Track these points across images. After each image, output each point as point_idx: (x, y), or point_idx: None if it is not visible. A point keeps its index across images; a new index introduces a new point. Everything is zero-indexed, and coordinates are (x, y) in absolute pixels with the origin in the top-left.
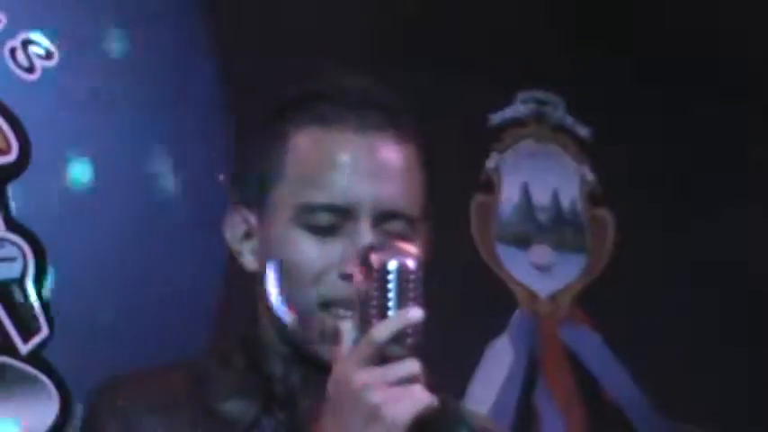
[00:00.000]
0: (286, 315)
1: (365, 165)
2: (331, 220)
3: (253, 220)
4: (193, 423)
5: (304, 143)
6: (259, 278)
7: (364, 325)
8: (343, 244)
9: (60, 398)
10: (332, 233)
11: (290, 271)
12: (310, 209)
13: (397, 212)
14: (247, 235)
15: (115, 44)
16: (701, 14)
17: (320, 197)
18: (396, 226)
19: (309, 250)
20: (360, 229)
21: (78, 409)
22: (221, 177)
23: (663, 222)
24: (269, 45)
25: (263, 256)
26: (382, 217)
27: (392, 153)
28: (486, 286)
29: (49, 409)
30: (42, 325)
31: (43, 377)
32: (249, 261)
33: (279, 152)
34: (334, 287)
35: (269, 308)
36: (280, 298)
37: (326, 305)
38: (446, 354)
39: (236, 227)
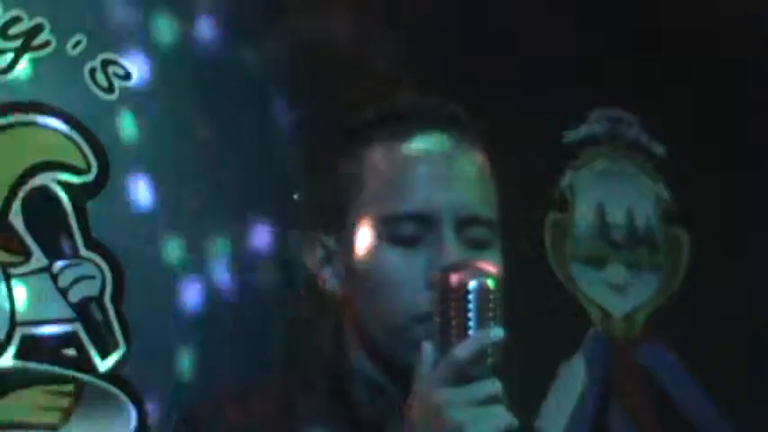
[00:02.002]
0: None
1: (443, 173)
2: (414, 230)
3: (332, 243)
4: None
5: (380, 158)
6: (343, 301)
7: (444, 345)
8: (428, 253)
9: (137, 414)
10: (415, 243)
11: (377, 285)
12: (393, 219)
13: (478, 217)
14: (328, 259)
15: (193, 68)
16: None
17: (401, 207)
18: (477, 232)
19: (395, 262)
20: (443, 236)
21: (154, 427)
22: (296, 196)
23: (738, 240)
24: (339, 66)
25: (347, 276)
26: (463, 223)
27: (467, 162)
28: (561, 305)
29: (126, 426)
30: (120, 342)
31: (121, 394)
32: (332, 285)
33: (355, 171)
34: (421, 299)
35: (356, 328)
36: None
37: (415, 318)
38: (520, 372)
39: (315, 252)
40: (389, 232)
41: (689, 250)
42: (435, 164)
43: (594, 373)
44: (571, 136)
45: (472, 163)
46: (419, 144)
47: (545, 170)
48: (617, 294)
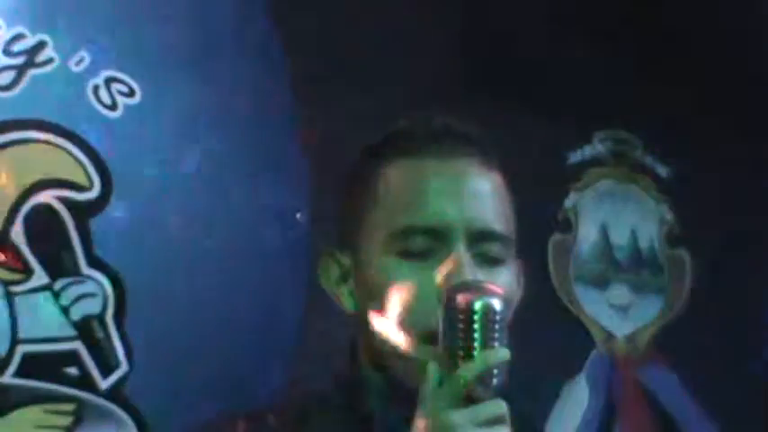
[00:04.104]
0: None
1: (455, 188)
2: (425, 244)
3: (347, 261)
4: None
5: (393, 174)
6: (358, 318)
7: (450, 364)
8: (440, 268)
9: None
10: (427, 258)
11: (387, 301)
12: (404, 234)
13: (490, 232)
14: (344, 277)
15: (195, 81)
16: None
17: (413, 221)
18: (489, 247)
19: (406, 277)
20: (455, 251)
21: None
22: (299, 215)
23: (741, 262)
24: (350, 83)
25: (361, 294)
26: (476, 237)
27: (479, 177)
28: (564, 326)
29: None
30: (122, 361)
31: (122, 413)
32: (348, 303)
33: (368, 188)
34: (432, 315)
35: (368, 346)
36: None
37: (425, 336)
38: (523, 393)
39: (331, 271)
40: (401, 246)
41: (692, 272)
42: (449, 179)
43: (597, 393)
44: (575, 157)
45: (486, 180)
46: (433, 160)
47: (549, 191)
48: (620, 315)
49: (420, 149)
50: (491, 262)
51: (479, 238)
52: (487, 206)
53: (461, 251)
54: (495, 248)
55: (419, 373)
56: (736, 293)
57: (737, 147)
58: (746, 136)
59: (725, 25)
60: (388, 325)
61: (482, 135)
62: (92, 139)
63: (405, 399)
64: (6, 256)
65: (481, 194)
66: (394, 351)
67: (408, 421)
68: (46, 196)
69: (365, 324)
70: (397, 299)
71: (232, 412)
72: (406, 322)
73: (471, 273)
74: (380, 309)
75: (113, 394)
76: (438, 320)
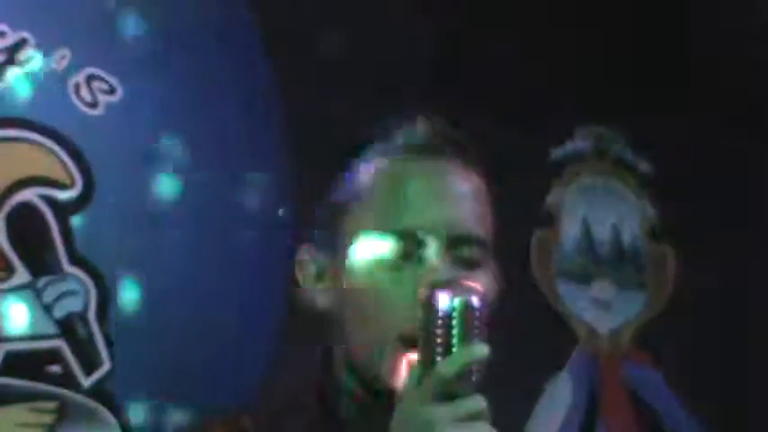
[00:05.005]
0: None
1: (435, 190)
2: (404, 247)
3: (324, 259)
4: None
5: (374, 176)
6: (333, 318)
7: (429, 361)
8: (417, 271)
9: (121, 430)
10: (405, 261)
11: (364, 302)
12: (383, 236)
13: (469, 236)
14: (319, 275)
15: (177, 79)
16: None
17: (392, 223)
18: (467, 251)
19: (383, 279)
20: (432, 254)
21: None
22: (281, 212)
23: (723, 259)
24: (330, 86)
25: (336, 293)
26: (454, 242)
27: (460, 180)
28: (546, 322)
29: None
30: (104, 359)
31: (105, 411)
32: (322, 301)
33: (349, 188)
34: (408, 317)
35: (344, 347)
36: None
37: (402, 337)
38: (506, 389)
39: (307, 268)
40: (379, 249)
41: (674, 267)
42: (428, 182)
43: (580, 389)
44: (557, 153)
45: (466, 183)
46: (413, 163)
47: (531, 187)
48: (603, 311)
49: (401, 150)
50: (469, 265)
51: (458, 242)
52: (467, 209)
53: (440, 254)
54: (473, 252)
55: (397, 374)
56: (717, 288)
57: (729, 144)
58: (735, 132)
59: (725, 25)
60: (364, 326)
61: (464, 136)
62: (73, 136)
63: (381, 400)
64: None
65: (461, 198)
66: (370, 352)
67: (385, 423)
68: (27, 194)
69: (340, 324)
70: (374, 300)
71: (206, 417)
72: (383, 323)
73: (450, 275)
74: (357, 309)
75: (96, 392)
76: (416, 322)
